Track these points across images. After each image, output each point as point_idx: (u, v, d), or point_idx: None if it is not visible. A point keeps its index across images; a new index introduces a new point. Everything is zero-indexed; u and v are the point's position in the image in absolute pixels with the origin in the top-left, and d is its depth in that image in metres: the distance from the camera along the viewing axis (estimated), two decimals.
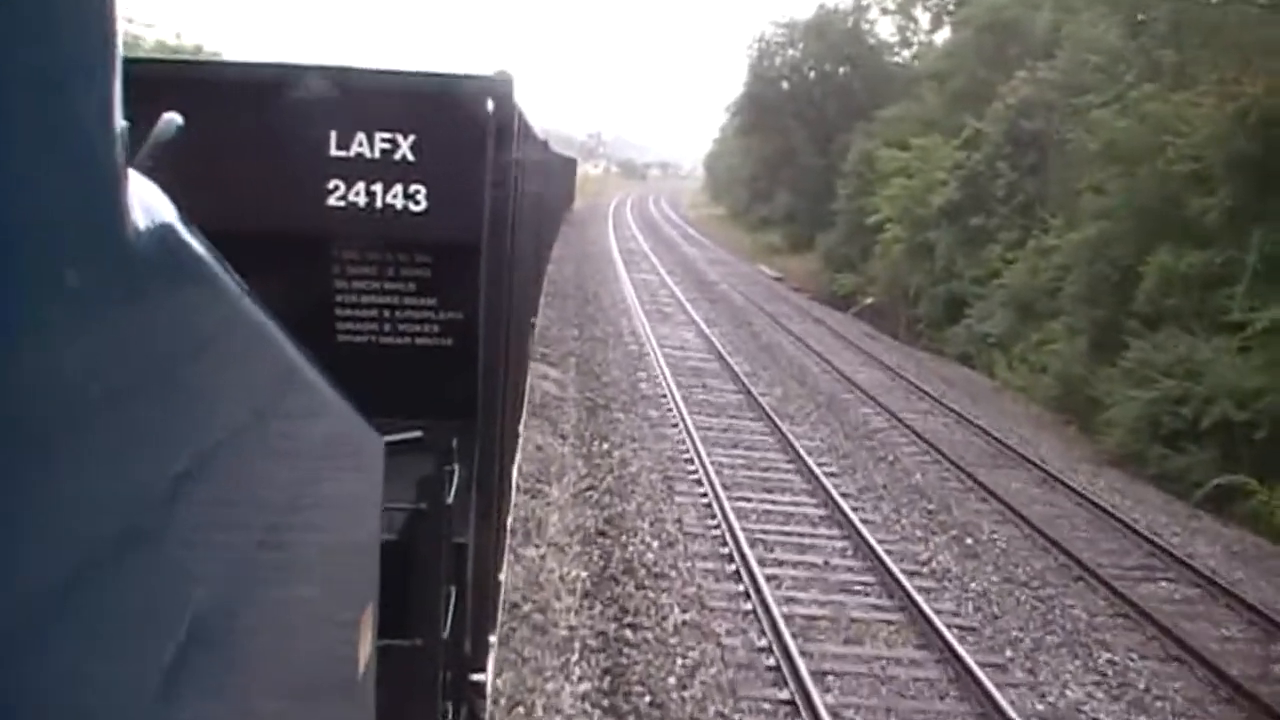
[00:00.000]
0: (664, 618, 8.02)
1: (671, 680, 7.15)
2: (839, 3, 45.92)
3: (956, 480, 12.52)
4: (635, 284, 28.03)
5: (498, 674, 6.23)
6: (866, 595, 8.74)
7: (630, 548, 9.38)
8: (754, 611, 8.16)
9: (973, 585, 9.26)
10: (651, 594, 8.44)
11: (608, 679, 7.15)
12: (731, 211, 65.83)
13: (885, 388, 17.79)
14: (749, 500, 10.77)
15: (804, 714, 6.77)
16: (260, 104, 2.68)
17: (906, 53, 44.09)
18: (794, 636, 7.65)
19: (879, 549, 9.46)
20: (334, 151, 2.71)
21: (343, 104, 2.71)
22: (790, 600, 8.44)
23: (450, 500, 2.64)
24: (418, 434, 2.40)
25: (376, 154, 2.73)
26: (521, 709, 6.52)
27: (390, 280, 2.84)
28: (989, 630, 8.37)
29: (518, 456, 8.29)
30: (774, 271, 38.67)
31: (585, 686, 7.02)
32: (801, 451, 12.46)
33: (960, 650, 7.58)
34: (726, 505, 10.30)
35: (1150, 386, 16.47)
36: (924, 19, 42.73)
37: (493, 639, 4.49)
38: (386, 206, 2.74)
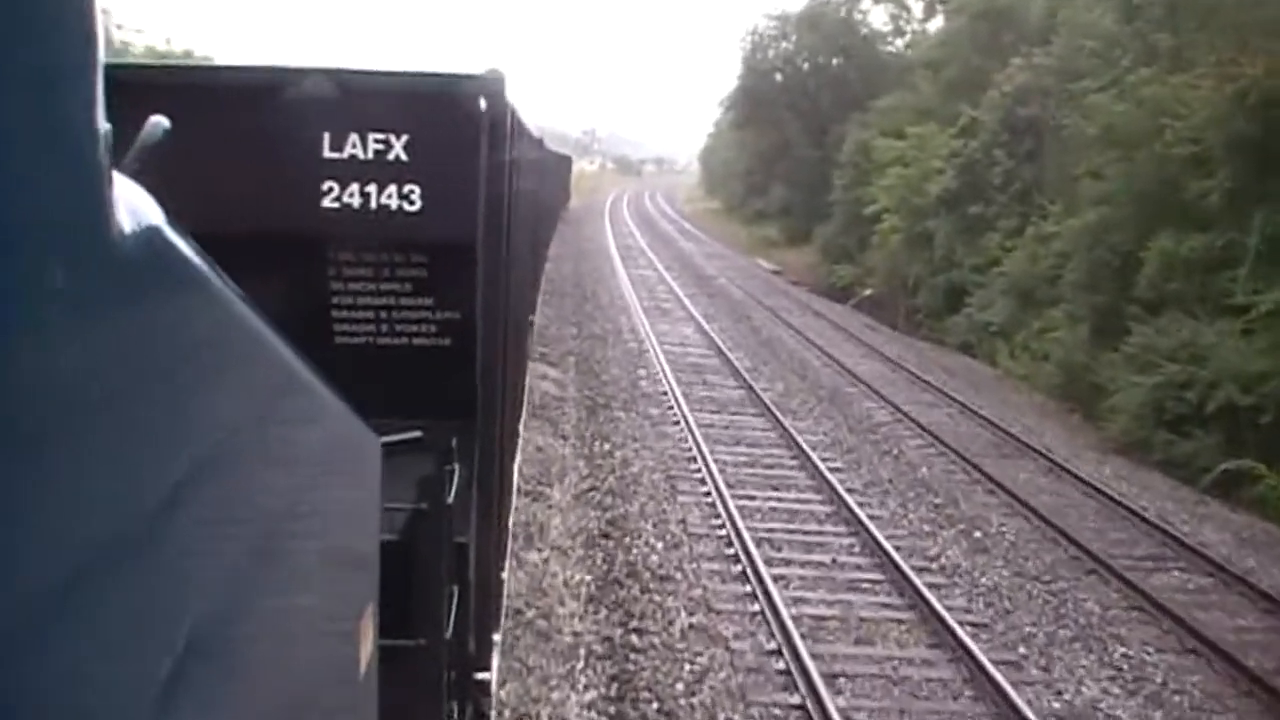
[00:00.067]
0: (670, 622, 7.88)
1: (679, 686, 7.01)
2: None
3: (963, 472, 12.38)
4: (633, 280, 27.88)
5: (501, 684, 6.10)
6: (876, 594, 8.60)
7: (634, 550, 9.23)
8: (762, 613, 8.02)
9: (983, 580, 9.12)
10: (657, 597, 8.30)
11: (614, 686, 7.00)
12: (727, 206, 65.68)
13: (887, 380, 17.65)
14: (753, 498, 10.63)
15: (815, 719, 6.63)
16: (253, 107, 2.70)
17: (900, 42, 43.93)
18: (803, 638, 7.51)
19: (887, 545, 9.32)
20: (328, 153, 2.71)
21: (335, 105, 2.71)
22: (798, 600, 8.30)
23: (451, 500, 2.65)
24: (417, 434, 2.42)
25: (370, 155, 2.72)
26: None
27: (386, 281, 2.84)
28: (1001, 626, 8.23)
29: (518, 457, 8.16)
30: (771, 265, 38.52)
31: (591, 695, 6.88)
32: (805, 447, 12.32)
33: (973, 648, 7.44)
34: (731, 504, 10.16)
35: (1154, 372, 16.34)
36: (917, 7, 42.58)
37: (496, 637, 4.51)
38: (381, 207, 2.74)
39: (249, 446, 1.05)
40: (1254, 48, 16.96)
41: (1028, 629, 8.24)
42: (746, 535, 9.37)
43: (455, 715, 2.97)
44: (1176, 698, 7.37)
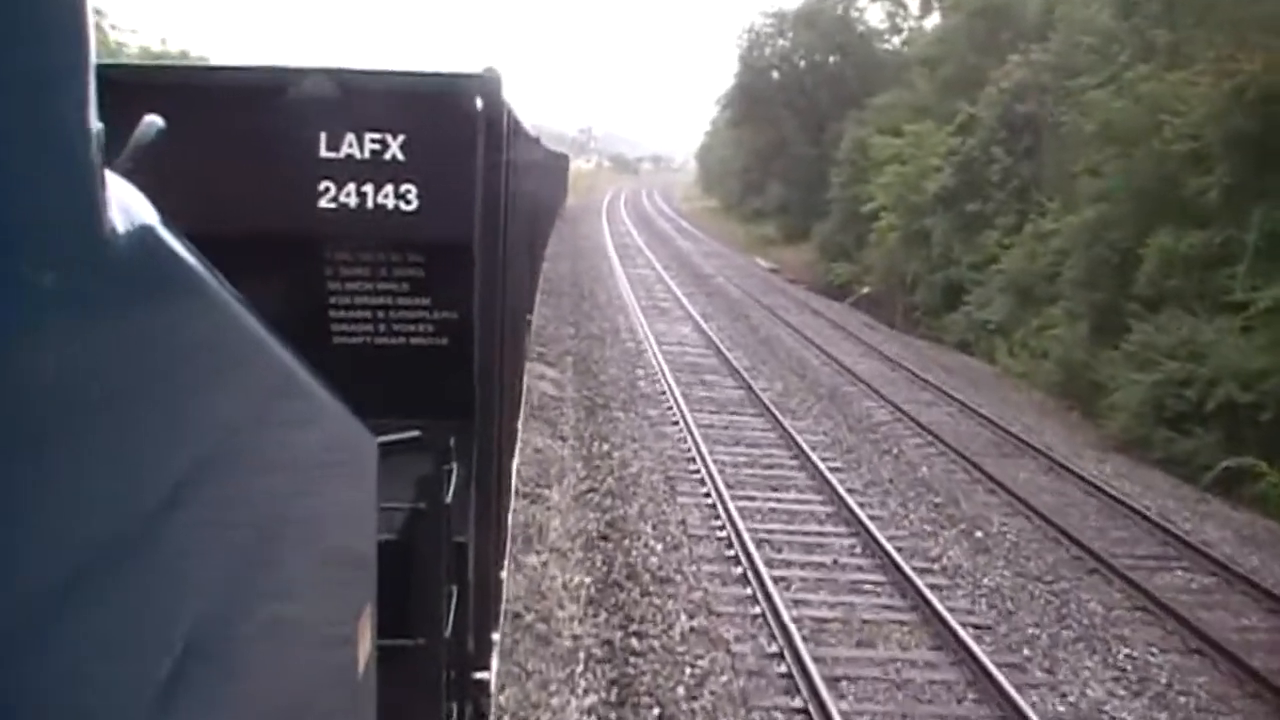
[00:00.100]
0: (670, 625, 7.81)
1: (680, 690, 6.94)
2: None
3: (963, 472, 12.32)
4: (631, 279, 27.80)
5: (500, 689, 6.03)
6: (878, 595, 8.53)
7: (634, 552, 9.16)
8: (763, 615, 7.95)
9: (985, 581, 9.06)
10: (657, 600, 8.23)
11: (614, 690, 6.93)
12: (724, 204, 65.62)
13: (886, 378, 17.59)
14: (753, 499, 10.56)
15: None
16: (249, 107, 2.70)
17: (897, 39, 43.88)
18: (805, 640, 7.44)
19: (888, 546, 9.25)
20: (324, 153, 2.71)
21: (331, 105, 2.71)
22: (800, 602, 8.23)
23: (449, 499, 2.66)
24: (415, 434, 2.42)
25: (366, 154, 2.72)
26: None
27: (384, 281, 2.84)
28: (1004, 628, 8.16)
29: (516, 458, 8.08)
30: (769, 263, 38.46)
31: (591, 699, 6.81)
32: (805, 447, 12.25)
33: (976, 650, 7.37)
34: (730, 505, 10.09)
35: (1153, 369, 16.30)
36: (913, 4, 42.54)
37: (495, 637, 4.50)
38: (378, 207, 2.74)
39: (245, 447, 1.04)
40: (1252, 44, 16.90)
41: (1031, 630, 8.17)
42: (747, 536, 9.30)
43: (454, 715, 2.97)
44: (1182, 699, 7.30)
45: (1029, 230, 24.04)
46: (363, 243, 2.79)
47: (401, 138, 2.72)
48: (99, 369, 0.70)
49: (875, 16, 45.77)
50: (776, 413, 13.83)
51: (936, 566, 9.30)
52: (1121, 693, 7.34)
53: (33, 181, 0.63)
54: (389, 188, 2.73)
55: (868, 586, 8.69)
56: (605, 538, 9.48)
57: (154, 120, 1.28)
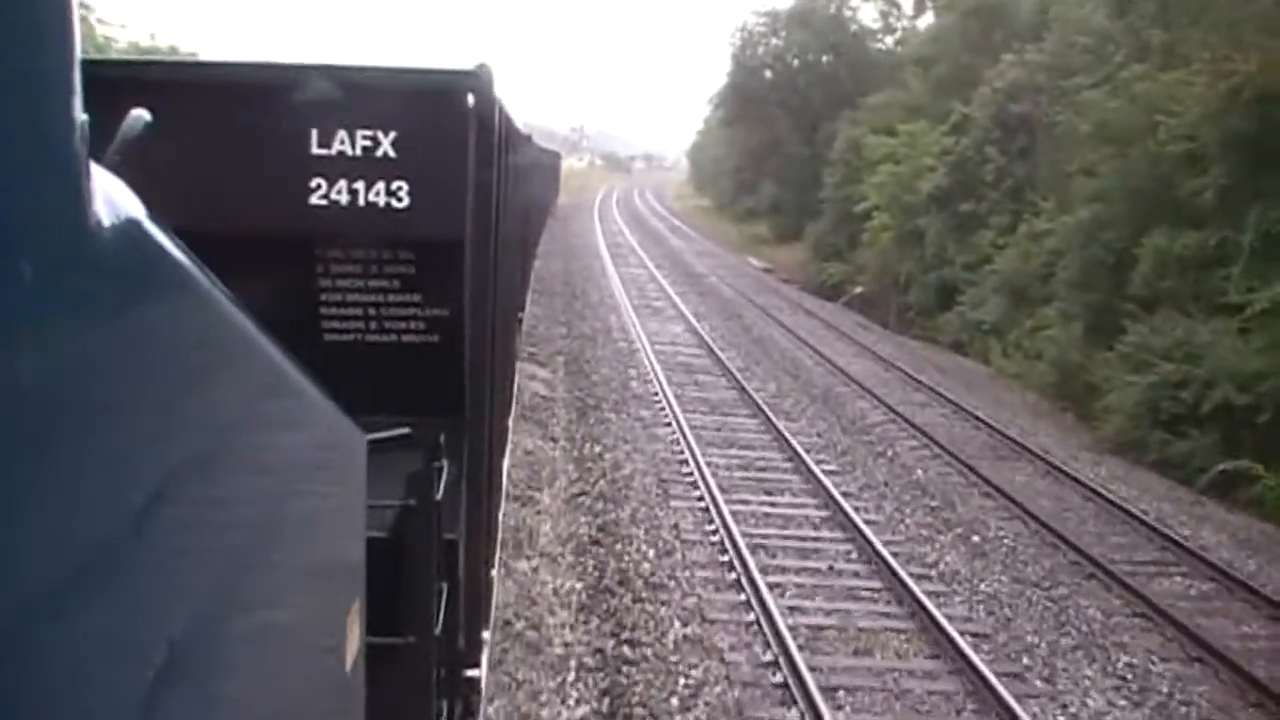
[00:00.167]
0: (663, 633, 7.65)
1: (674, 701, 6.79)
2: None
3: (958, 475, 12.19)
4: (623, 279, 27.64)
5: (490, 700, 5.86)
6: (874, 602, 8.39)
7: (626, 557, 9.00)
8: (757, 623, 7.79)
9: (983, 587, 8.92)
10: (649, 607, 8.07)
11: (606, 701, 6.78)
12: (717, 203, 65.50)
13: (880, 379, 17.46)
14: (747, 503, 10.41)
15: None
16: (240, 104, 2.71)
17: (890, 39, 43.80)
18: (801, 649, 7.29)
19: (884, 551, 9.11)
20: (315, 150, 2.71)
21: (323, 102, 2.71)
22: (795, 610, 8.08)
23: (440, 496, 2.66)
24: (406, 431, 2.43)
25: (358, 151, 2.72)
26: None
27: (375, 278, 2.84)
28: (1003, 636, 8.02)
29: (506, 460, 7.92)
30: (762, 263, 38.34)
31: (583, 710, 6.65)
32: (799, 449, 12.11)
33: (975, 659, 7.23)
34: (724, 509, 9.93)
35: (1149, 371, 16.21)
36: (907, 4, 42.48)
37: (486, 635, 4.48)
38: (369, 204, 2.74)
39: (235, 446, 1.04)
40: (1248, 44, 16.83)
41: (1029, 638, 8.04)
42: (741, 541, 9.15)
43: (445, 713, 2.97)
44: (1184, 709, 7.18)
45: (1023, 230, 23.98)
46: (354, 240, 2.80)
47: (393, 135, 2.72)
48: (83, 365, 0.69)
49: (868, 16, 45.78)
50: (770, 414, 13.68)
51: (934, 572, 9.16)
52: (1122, 703, 7.21)
53: (16, 173, 0.62)
54: (380, 185, 2.73)
55: (864, 593, 8.55)
56: (597, 542, 9.32)
57: (140, 114, 1.28)
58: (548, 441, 12.18)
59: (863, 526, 9.70)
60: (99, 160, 0.76)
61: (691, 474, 11.21)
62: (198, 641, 0.87)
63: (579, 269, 28.91)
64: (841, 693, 6.95)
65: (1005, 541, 10.11)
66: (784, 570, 8.88)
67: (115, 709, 0.74)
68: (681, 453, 11.96)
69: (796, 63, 46.40)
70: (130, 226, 0.80)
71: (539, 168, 18.25)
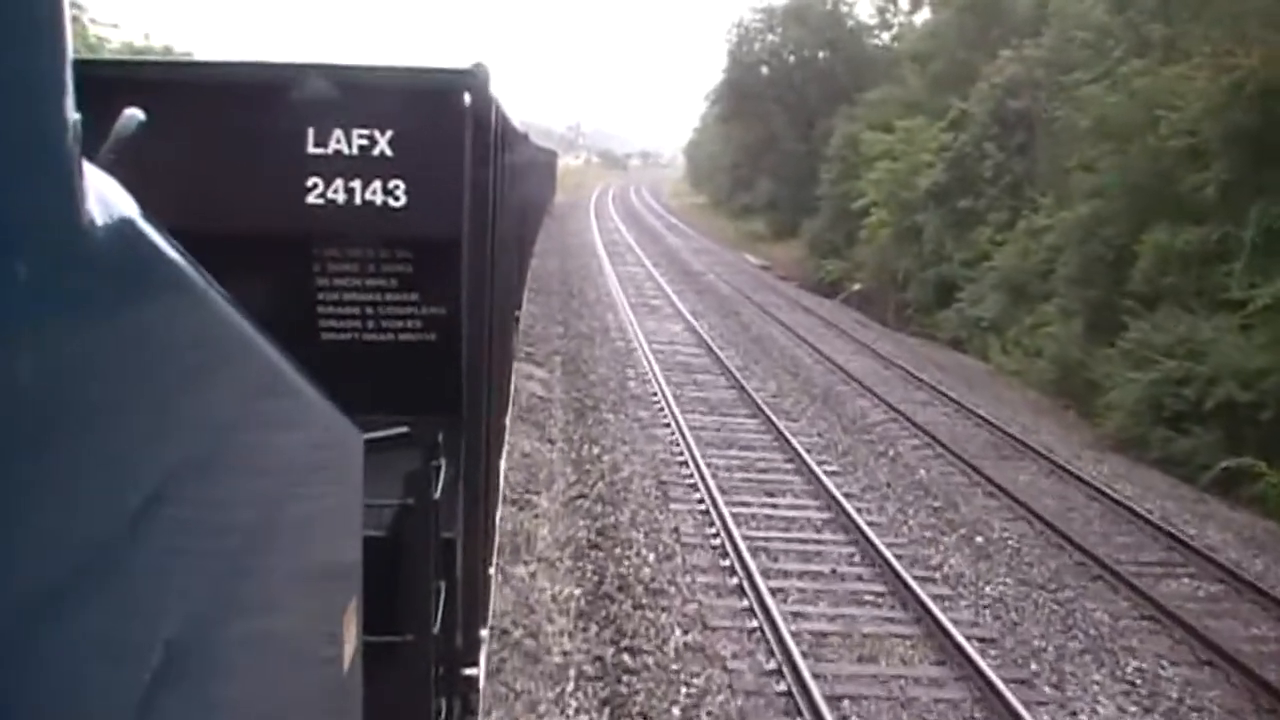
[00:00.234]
0: (664, 640, 7.50)
1: (675, 711, 6.64)
2: None
3: (961, 475, 12.05)
4: (620, 277, 27.48)
5: (486, 713, 5.71)
6: (878, 606, 8.25)
7: (625, 562, 8.85)
8: (760, 629, 7.65)
9: (988, 590, 8.78)
10: (650, 613, 7.92)
11: (606, 711, 6.63)
12: (713, 200, 65.34)
13: (880, 377, 17.32)
14: (748, 505, 10.26)
15: None
16: (236, 103, 2.71)
17: (887, 35, 43.64)
18: (804, 656, 7.15)
19: (888, 554, 8.97)
20: (312, 149, 2.71)
21: (320, 101, 2.71)
22: (798, 615, 7.94)
23: (437, 495, 2.66)
24: (403, 429, 2.44)
25: (355, 150, 2.72)
26: None
27: (372, 277, 2.84)
28: (1010, 641, 7.88)
29: (503, 461, 7.77)
30: (759, 260, 38.19)
31: None
32: (800, 449, 11.97)
33: (982, 665, 7.09)
34: (725, 511, 9.79)
35: (1150, 368, 16.09)
36: (903, 0, 42.23)
37: (484, 633, 4.47)
38: (366, 203, 2.74)
39: (232, 446, 1.04)
40: (1250, 38, 16.69)
41: (1037, 642, 7.90)
42: (742, 545, 9.00)
43: (443, 711, 2.98)
44: (1195, 715, 7.05)
45: (1022, 226, 23.84)
46: (351, 239, 2.79)
47: (390, 133, 2.71)
48: (78, 365, 0.69)
49: (865, 11, 45.71)
50: (770, 414, 13.54)
51: (938, 575, 9.02)
52: (1133, 708, 7.08)
53: (9, 171, 0.62)
54: (377, 183, 2.73)
55: (868, 597, 8.41)
56: (596, 546, 9.17)
57: (134, 113, 1.28)
58: (545, 443, 12.03)
59: (865, 528, 9.56)
60: (92, 160, 0.75)
61: (691, 476, 11.06)
62: (195, 641, 0.87)
63: (576, 267, 28.75)
64: (847, 702, 6.81)
65: (1010, 543, 9.98)
66: (786, 574, 8.74)
67: (112, 709, 0.74)
68: (681, 454, 11.82)
69: (793, 59, 46.24)
70: (124, 225, 0.79)
71: (536, 166, 18.11)
